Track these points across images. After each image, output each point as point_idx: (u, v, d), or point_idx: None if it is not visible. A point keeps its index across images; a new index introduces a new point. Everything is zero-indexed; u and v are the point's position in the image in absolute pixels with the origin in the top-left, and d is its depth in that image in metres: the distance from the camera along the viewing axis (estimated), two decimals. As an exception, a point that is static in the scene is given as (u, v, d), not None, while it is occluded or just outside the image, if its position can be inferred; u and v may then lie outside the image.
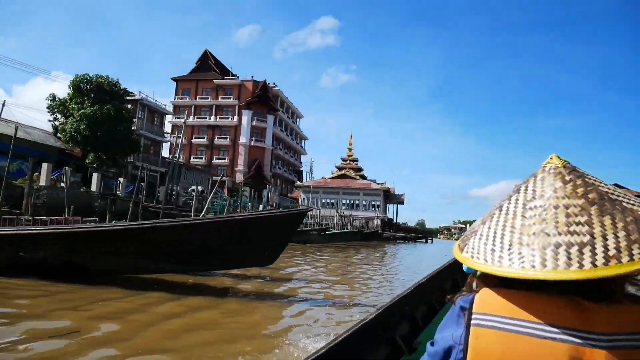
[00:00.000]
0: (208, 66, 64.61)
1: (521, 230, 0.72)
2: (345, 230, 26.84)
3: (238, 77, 63.04)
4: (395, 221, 62.73)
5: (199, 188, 34.68)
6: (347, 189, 54.27)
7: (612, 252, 0.64)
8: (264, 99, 61.07)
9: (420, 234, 67.68)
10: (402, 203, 61.75)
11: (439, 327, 0.81)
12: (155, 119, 40.41)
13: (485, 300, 0.72)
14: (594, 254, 0.65)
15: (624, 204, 0.70)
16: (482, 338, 0.69)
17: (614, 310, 0.66)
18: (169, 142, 42.20)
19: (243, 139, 60.37)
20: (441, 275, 2.56)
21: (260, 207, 42.64)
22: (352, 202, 54.17)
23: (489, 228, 0.77)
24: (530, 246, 0.69)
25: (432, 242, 64.42)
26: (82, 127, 24.91)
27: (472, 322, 0.71)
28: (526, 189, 0.79)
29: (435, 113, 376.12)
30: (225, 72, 65.03)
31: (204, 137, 61.21)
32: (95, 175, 23.42)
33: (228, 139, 60.58)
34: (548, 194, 0.74)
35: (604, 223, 0.68)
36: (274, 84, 64.69)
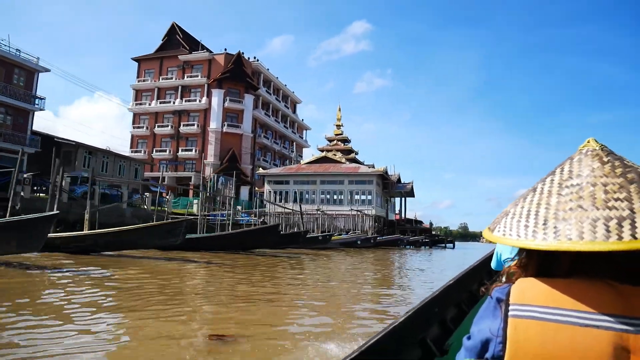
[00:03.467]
0: (176, 42, 53.83)
1: (557, 206, 0.71)
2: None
3: (212, 51, 51.81)
4: (401, 218, 48.18)
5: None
6: (325, 176, 40.59)
7: None
8: (238, 74, 49.39)
9: (436, 236, 51.43)
10: (412, 195, 47.23)
11: (474, 320, 0.78)
12: (19, 77, 28.39)
13: (523, 290, 0.71)
14: (633, 226, 0.63)
15: None
16: (521, 329, 0.67)
17: None
18: (42, 111, 30.42)
19: (213, 125, 48.82)
20: (469, 277, 2.52)
21: (195, 204, 30.58)
22: (335, 194, 40.34)
23: (522, 207, 0.75)
24: (567, 220, 0.68)
25: (453, 248, 49.16)
26: None
27: (510, 313, 0.69)
28: (562, 170, 0.77)
29: (478, 114, 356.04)
30: (197, 47, 53.97)
31: (168, 125, 50.21)
32: None
33: (196, 126, 49.22)
34: (585, 173, 0.73)
35: None
36: (255, 58, 52.95)
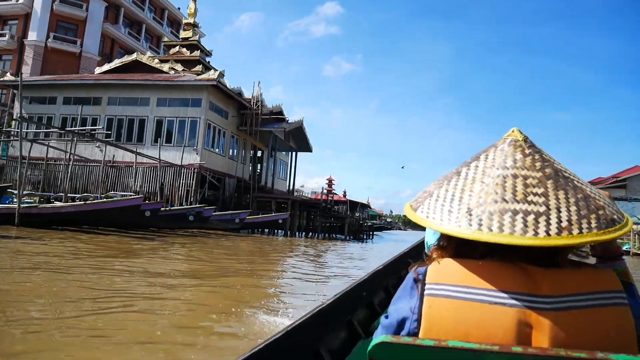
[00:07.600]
0: None
1: (480, 194, 0.73)
2: None
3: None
4: (265, 183, 28.35)
5: None
6: (119, 89, 23.53)
7: (564, 224, 0.67)
8: (78, -36, 33.27)
9: (345, 220, 30.41)
10: (306, 148, 31.23)
11: (392, 299, 0.81)
12: None
13: (439, 270, 0.73)
14: (548, 223, 0.67)
15: (574, 182, 0.74)
16: (435, 307, 0.70)
17: (558, 274, 0.69)
18: None
19: (33, 35, 32.74)
20: (399, 262, 2.47)
21: None
22: (134, 123, 23.83)
23: (447, 191, 0.77)
24: (489, 210, 0.70)
25: (365, 240, 31.67)
26: None
27: (426, 292, 0.72)
28: (486, 157, 0.80)
29: (444, 107, 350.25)
30: None
31: (-30, 35, 33.69)
32: None
33: (8, 37, 32.97)
34: (509, 164, 0.76)
35: (558, 197, 0.70)
36: (116, -50, 36.73)
